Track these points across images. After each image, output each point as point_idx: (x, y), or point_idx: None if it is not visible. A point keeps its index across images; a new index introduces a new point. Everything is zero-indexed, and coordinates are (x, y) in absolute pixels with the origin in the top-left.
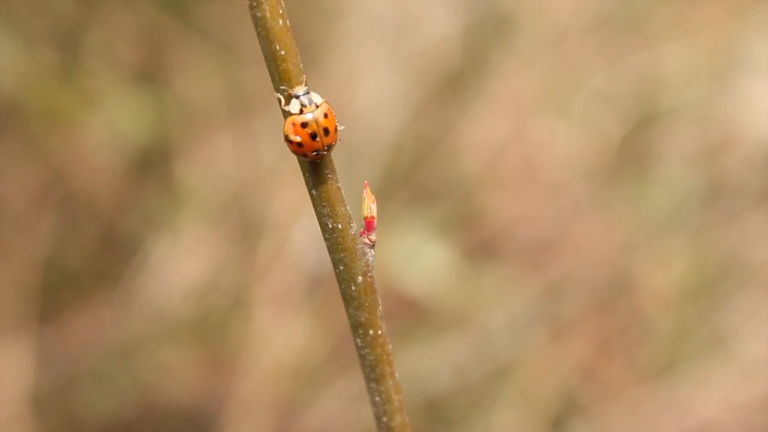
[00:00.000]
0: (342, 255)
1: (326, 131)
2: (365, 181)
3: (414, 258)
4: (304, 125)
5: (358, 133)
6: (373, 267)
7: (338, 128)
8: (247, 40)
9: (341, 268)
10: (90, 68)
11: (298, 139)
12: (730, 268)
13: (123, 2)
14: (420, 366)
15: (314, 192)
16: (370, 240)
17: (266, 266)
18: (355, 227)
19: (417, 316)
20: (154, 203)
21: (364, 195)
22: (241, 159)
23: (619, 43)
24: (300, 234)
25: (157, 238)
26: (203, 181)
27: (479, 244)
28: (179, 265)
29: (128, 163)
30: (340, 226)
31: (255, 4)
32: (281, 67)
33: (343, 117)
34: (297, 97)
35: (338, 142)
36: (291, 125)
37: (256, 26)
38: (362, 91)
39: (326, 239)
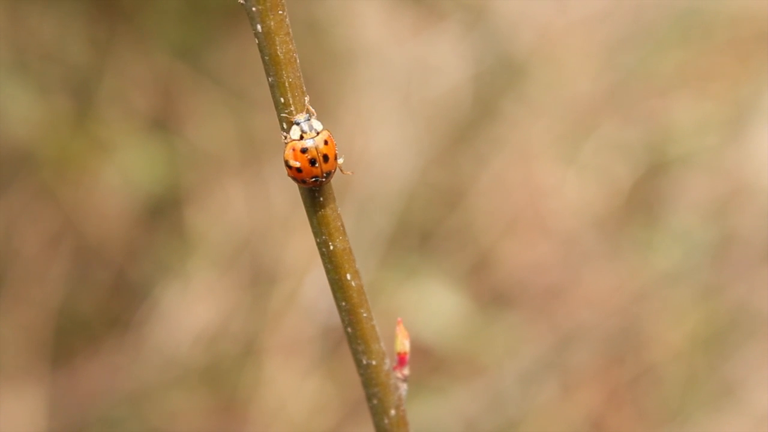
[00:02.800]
0: (376, 389)
1: (326, 158)
2: (399, 318)
3: (425, 304)
4: (303, 151)
5: (371, 181)
6: (405, 401)
7: (339, 158)
8: (256, 87)
9: (375, 402)
10: (103, 116)
11: (297, 164)
12: (740, 318)
13: (136, 50)
14: (431, 417)
15: (350, 330)
16: (402, 375)
17: (277, 314)
18: (388, 363)
19: (428, 363)
20: (165, 250)
21: (398, 331)
22: (252, 206)
23: (630, 91)
24: (311, 283)
25: (168, 285)
26: (214, 227)
27: (490, 291)
28: (189, 311)
29: (140, 210)
30: (374, 363)
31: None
32: (319, 213)
33: (356, 165)
34: (298, 123)
35: (339, 172)
36: (291, 150)
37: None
38: (374, 139)
39: (360, 374)
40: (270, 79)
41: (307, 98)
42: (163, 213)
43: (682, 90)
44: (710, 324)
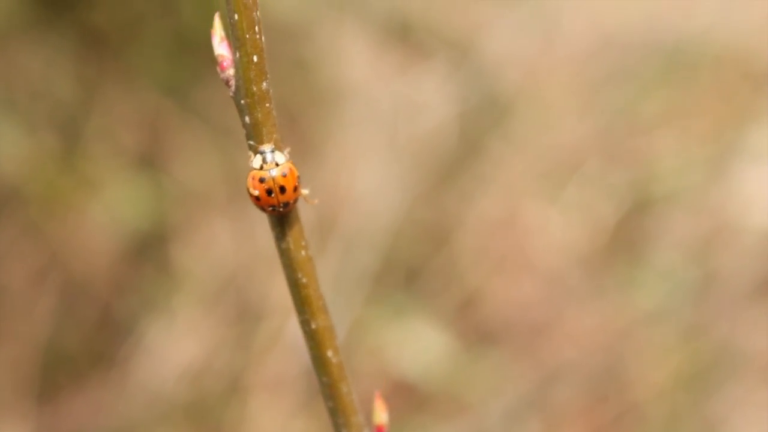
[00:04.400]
0: None
1: (282, 189)
2: (377, 390)
3: (409, 341)
4: (261, 180)
5: (357, 218)
6: None
7: (300, 190)
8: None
9: None
10: (90, 153)
11: (256, 192)
12: (723, 357)
13: (124, 88)
14: None
15: (330, 404)
16: None
17: (262, 351)
18: None
19: (412, 401)
20: (150, 286)
21: (376, 405)
22: (237, 243)
23: (614, 130)
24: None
25: (154, 321)
26: (200, 264)
27: (474, 329)
28: (175, 347)
29: (126, 247)
30: None
31: (279, 236)
32: (303, 293)
33: (341, 203)
34: (261, 153)
35: (306, 203)
36: (251, 179)
37: (281, 256)
38: (360, 176)
39: None
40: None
41: (275, 136)
42: (149, 249)
43: (667, 129)
44: (693, 363)
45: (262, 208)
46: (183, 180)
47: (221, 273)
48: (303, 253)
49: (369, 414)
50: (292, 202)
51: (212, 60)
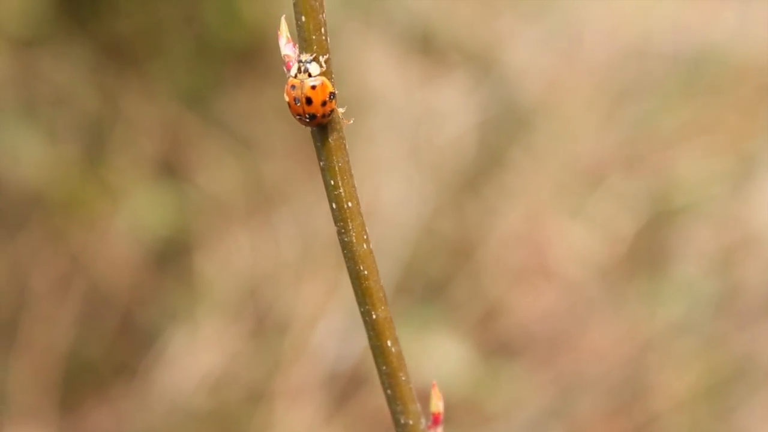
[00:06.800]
0: None
1: (308, 101)
2: (434, 381)
3: (431, 352)
4: (292, 87)
5: (379, 228)
6: None
7: (331, 106)
8: (265, 134)
9: None
10: (113, 162)
11: (286, 99)
12: (744, 369)
13: (146, 97)
14: None
15: (389, 392)
16: None
17: (285, 360)
18: (424, 422)
19: None
20: (173, 295)
21: (432, 393)
22: (259, 253)
23: (635, 143)
24: (320, 329)
25: (176, 330)
26: (222, 273)
27: (495, 340)
28: (197, 357)
29: (148, 256)
30: (411, 422)
31: (343, 230)
32: (364, 285)
33: (364, 212)
34: (300, 61)
35: (342, 120)
36: (287, 84)
37: (343, 249)
38: (382, 187)
39: None
40: (321, 163)
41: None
42: (172, 259)
43: (688, 141)
44: (714, 375)
45: (296, 117)
46: (205, 189)
47: (243, 282)
48: (365, 246)
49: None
50: (319, 116)
51: (235, 69)
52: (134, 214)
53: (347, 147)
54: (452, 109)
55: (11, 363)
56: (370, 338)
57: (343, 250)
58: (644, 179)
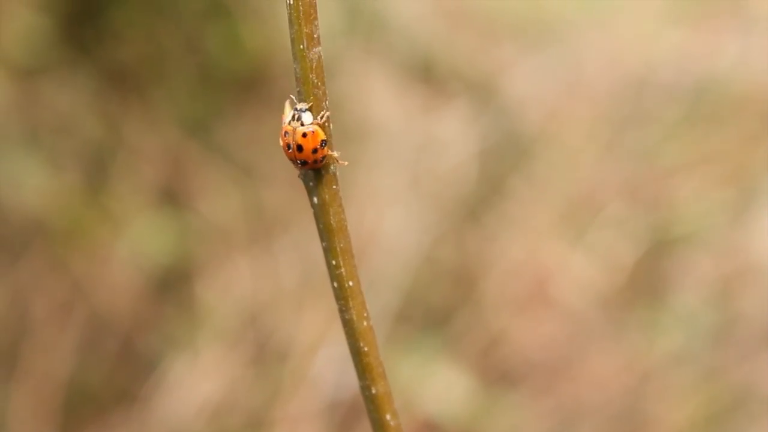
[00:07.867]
0: None
1: (299, 148)
2: None
3: (431, 381)
4: (285, 134)
5: (379, 256)
6: None
7: (323, 153)
8: (266, 162)
9: None
10: (114, 189)
11: (281, 143)
12: (743, 400)
13: (148, 124)
14: None
15: None
16: None
17: (285, 388)
18: None
19: None
20: (173, 323)
21: None
22: (260, 281)
23: (635, 171)
24: (320, 358)
25: (176, 358)
26: (223, 301)
27: (495, 369)
28: (197, 384)
29: (149, 283)
30: None
31: (344, 308)
32: (364, 361)
33: (365, 241)
34: (295, 109)
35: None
36: (281, 130)
37: (344, 326)
38: (383, 215)
39: None
40: (323, 244)
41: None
42: (172, 286)
43: (688, 171)
44: (713, 405)
45: (290, 161)
46: (206, 217)
47: (243, 310)
48: (365, 323)
49: None
50: (311, 162)
51: (236, 97)
52: (135, 241)
53: (346, 179)
54: (453, 137)
55: (12, 389)
56: (369, 411)
57: (344, 327)
58: (644, 208)
